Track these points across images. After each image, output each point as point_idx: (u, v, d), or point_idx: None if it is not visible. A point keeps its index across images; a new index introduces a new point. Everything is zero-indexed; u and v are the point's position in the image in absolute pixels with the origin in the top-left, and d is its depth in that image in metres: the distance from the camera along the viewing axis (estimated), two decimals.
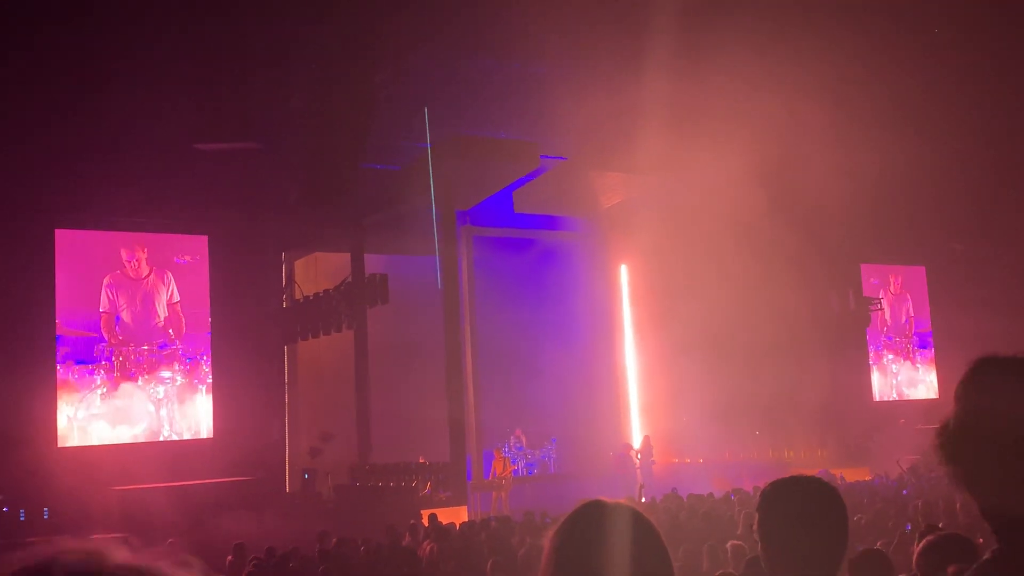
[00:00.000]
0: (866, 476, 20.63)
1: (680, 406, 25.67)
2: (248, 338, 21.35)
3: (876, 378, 30.03)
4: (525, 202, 24.95)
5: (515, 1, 16.72)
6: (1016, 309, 24.79)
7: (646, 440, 24.30)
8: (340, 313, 20.47)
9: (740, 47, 17.43)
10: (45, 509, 17.35)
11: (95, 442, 19.70)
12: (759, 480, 15.76)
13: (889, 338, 30.56)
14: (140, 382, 20.42)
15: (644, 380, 27.66)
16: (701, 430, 24.55)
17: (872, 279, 30.15)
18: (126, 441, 20.03)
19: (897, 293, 30.89)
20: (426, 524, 14.05)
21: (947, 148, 22.83)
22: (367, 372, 22.22)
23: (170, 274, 21.01)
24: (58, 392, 19.61)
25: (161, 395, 20.63)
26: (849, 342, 27.53)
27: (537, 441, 24.91)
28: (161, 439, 20.51)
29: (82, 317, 20.02)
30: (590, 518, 1.85)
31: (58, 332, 19.68)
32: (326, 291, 21.07)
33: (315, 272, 24.33)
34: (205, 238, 21.50)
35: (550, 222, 26.39)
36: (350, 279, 21.20)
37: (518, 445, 24.38)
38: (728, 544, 7.84)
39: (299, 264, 24.44)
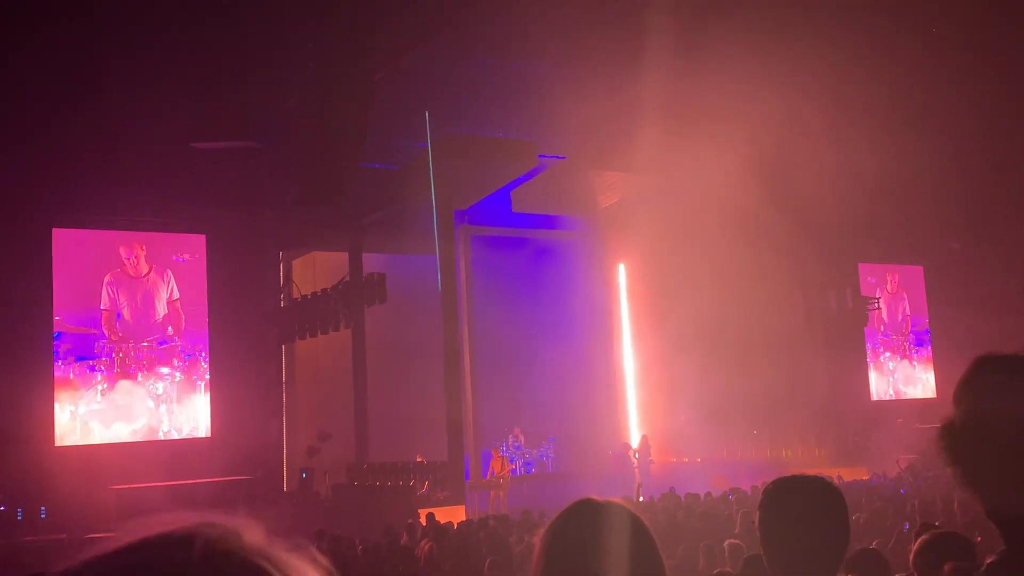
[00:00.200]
0: (863, 475, 20.65)
1: (678, 405, 25.67)
2: (246, 337, 21.35)
3: (873, 377, 30.06)
4: (523, 201, 24.95)
5: (514, 1, 16.73)
6: (1014, 308, 24.83)
7: (644, 439, 24.32)
8: (338, 312, 20.47)
9: (738, 47, 17.44)
10: (42, 508, 17.34)
11: (97, 438, 19.74)
12: (757, 479, 15.80)
13: (886, 336, 30.59)
14: (140, 378, 20.49)
15: (642, 379, 27.67)
16: (699, 429, 24.56)
17: (870, 278, 30.19)
18: (126, 438, 20.06)
19: (894, 292, 30.92)
20: (424, 523, 14.06)
21: (945, 148, 22.84)
22: (365, 371, 22.23)
23: (170, 272, 21.06)
24: (60, 389, 19.67)
25: (160, 391, 20.68)
26: (847, 341, 27.55)
27: (535, 440, 24.91)
28: (160, 435, 20.55)
29: (83, 314, 20.05)
30: (581, 516, 1.86)
31: (59, 329, 19.74)
32: (324, 290, 21.07)
33: (313, 271, 24.33)
34: (203, 237, 21.50)
35: (548, 221, 26.39)
36: (348, 278, 21.20)
37: (516, 444, 24.38)
38: (725, 543, 7.85)
39: (297, 263, 24.43)
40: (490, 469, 20.82)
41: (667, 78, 18.14)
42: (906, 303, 31.25)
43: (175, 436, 20.72)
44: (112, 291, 20.37)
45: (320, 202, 20.80)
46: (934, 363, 31.12)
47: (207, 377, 21.24)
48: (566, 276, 26.04)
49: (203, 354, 21.28)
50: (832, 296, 25.94)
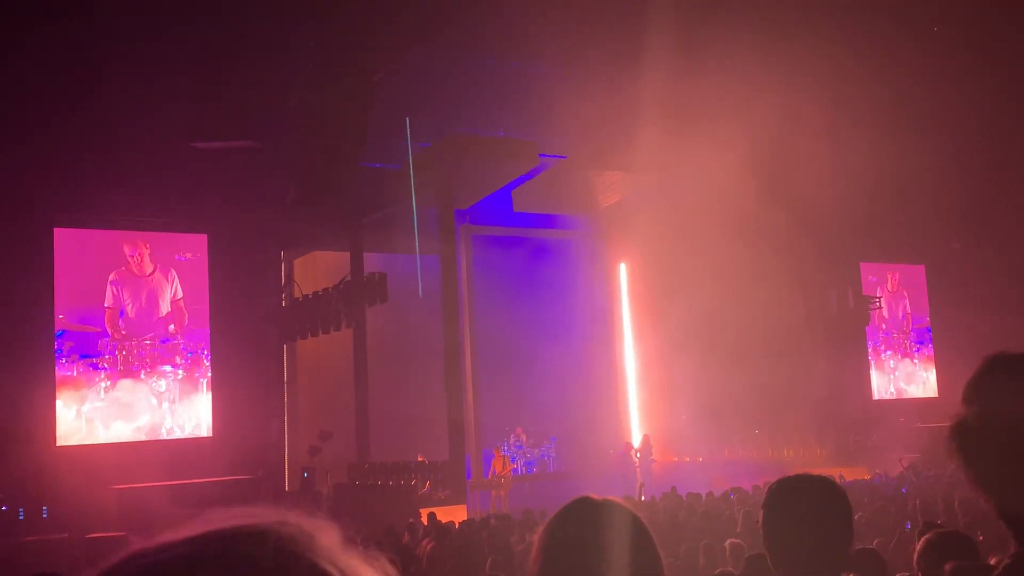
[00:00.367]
0: (865, 475, 20.64)
1: (679, 404, 25.67)
2: (247, 337, 21.36)
3: (875, 376, 30.05)
4: (524, 201, 24.95)
5: (514, 1, 16.72)
6: (1015, 307, 24.82)
7: (645, 439, 24.31)
8: (339, 312, 20.46)
9: (738, 46, 17.44)
10: (44, 508, 17.35)
11: (100, 437, 19.79)
12: (758, 479, 15.80)
13: (887, 334, 30.59)
14: (143, 375, 20.55)
15: (643, 378, 27.66)
16: (700, 428, 24.56)
17: (871, 277, 30.18)
18: (128, 436, 20.11)
19: (895, 291, 30.91)
20: (425, 523, 14.05)
21: (946, 148, 22.84)
22: (366, 371, 22.22)
23: (174, 271, 21.13)
24: (64, 387, 19.75)
25: (163, 388, 20.74)
26: (848, 341, 27.55)
27: (536, 440, 24.91)
28: (163, 432, 20.61)
29: (86, 313, 20.10)
30: (579, 515, 1.86)
31: (63, 327, 19.80)
32: (325, 290, 21.06)
33: (314, 271, 24.33)
34: (204, 237, 21.51)
35: (549, 221, 26.38)
36: (349, 278, 21.20)
37: (517, 444, 24.38)
38: (727, 542, 7.84)
39: (298, 263, 24.43)
40: (491, 468, 20.81)
41: (667, 78, 18.15)
42: (906, 302, 31.25)
43: (177, 435, 20.74)
44: (116, 289, 20.44)
45: (321, 202, 20.83)
46: (935, 362, 31.11)
47: (209, 375, 21.28)
48: (567, 276, 26.03)
49: (205, 352, 21.33)
50: (833, 295, 25.93)
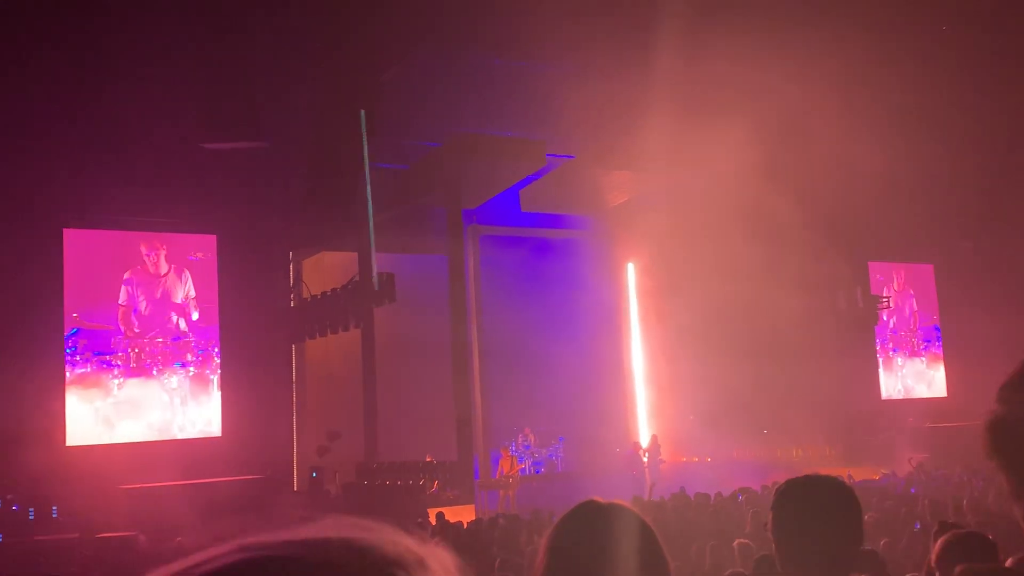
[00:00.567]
0: (874, 475, 20.59)
1: (687, 404, 25.65)
2: (256, 337, 21.40)
3: (883, 376, 29.98)
4: (532, 201, 24.95)
5: (522, 0, 16.72)
6: None
7: (654, 439, 24.28)
8: (347, 312, 20.49)
9: (748, 44, 17.40)
10: (54, 508, 17.41)
11: (113, 434, 19.93)
12: (767, 479, 15.78)
13: (895, 332, 30.52)
14: (155, 372, 20.69)
15: (651, 378, 27.64)
16: (708, 428, 24.52)
17: (878, 276, 30.11)
18: (140, 434, 20.25)
19: (900, 290, 30.82)
20: (433, 523, 14.07)
21: (956, 146, 22.78)
22: (374, 371, 22.27)
23: (187, 271, 21.26)
24: (77, 385, 19.86)
25: (175, 385, 20.86)
26: (857, 340, 27.48)
27: (545, 440, 24.91)
28: (175, 429, 20.74)
29: (100, 311, 20.24)
30: (584, 519, 1.85)
31: (77, 325, 19.93)
32: (333, 290, 21.10)
33: (322, 271, 24.37)
34: (214, 237, 21.57)
35: (557, 220, 26.37)
36: (357, 278, 21.23)
37: (526, 444, 24.39)
38: (735, 542, 7.84)
39: (307, 263, 24.48)
40: (499, 468, 20.82)
41: (675, 76, 18.13)
42: (913, 300, 31.16)
43: (188, 433, 20.83)
44: (131, 288, 20.62)
45: (329, 202, 20.87)
46: (945, 362, 31.01)
47: (219, 372, 21.38)
48: (575, 275, 26.02)
49: (215, 350, 21.44)
50: (842, 295, 25.87)
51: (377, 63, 19.26)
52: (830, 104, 19.61)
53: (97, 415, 19.96)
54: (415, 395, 22.59)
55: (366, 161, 19.69)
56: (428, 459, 20.72)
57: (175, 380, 20.89)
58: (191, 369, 21.11)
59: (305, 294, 22.87)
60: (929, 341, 31.22)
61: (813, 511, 2.37)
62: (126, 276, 20.61)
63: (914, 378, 30.64)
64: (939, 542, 4.10)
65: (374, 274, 19.10)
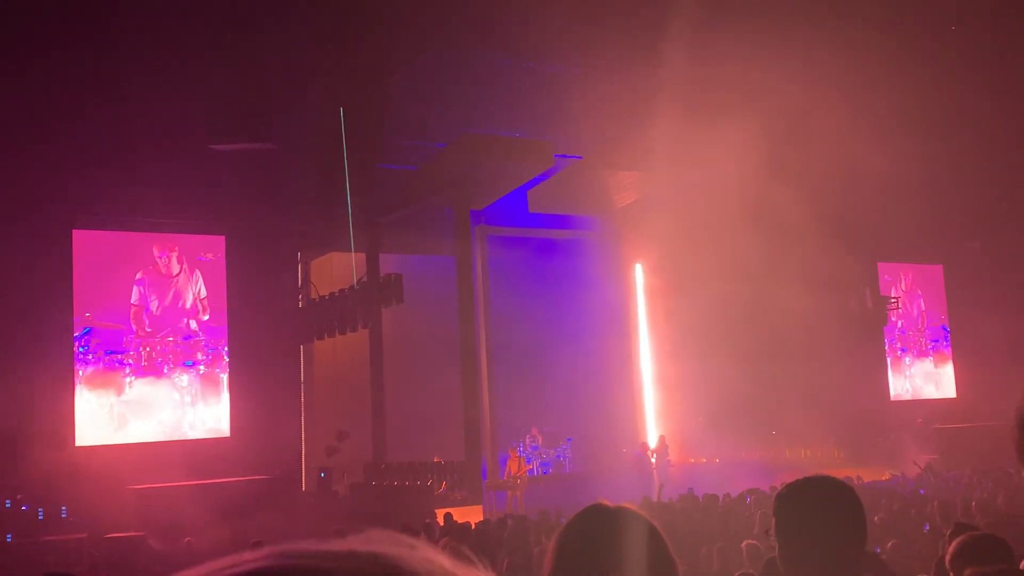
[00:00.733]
0: (883, 476, 20.55)
1: (695, 405, 25.61)
2: (265, 338, 21.45)
3: (892, 377, 29.90)
4: (539, 201, 24.94)
5: (530, 1, 16.73)
6: None
7: (662, 440, 24.24)
8: (355, 313, 20.52)
9: (755, 44, 17.38)
10: (63, 508, 17.46)
11: (122, 434, 20.04)
12: (775, 480, 15.72)
13: (904, 332, 30.44)
14: (165, 370, 20.82)
15: (659, 379, 27.61)
16: (717, 429, 24.49)
17: (886, 277, 30.04)
18: (149, 433, 20.38)
19: (908, 290, 30.74)
20: (441, 523, 14.07)
21: (965, 146, 22.71)
22: (382, 371, 22.26)
23: (199, 271, 21.36)
24: (90, 383, 19.97)
25: (185, 383, 20.94)
26: (866, 341, 27.41)
27: (552, 440, 24.89)
28: (185, 427, 20.86)
29: (112, 311, 20.36)
30: (591, 523, 1.85)
31: (89, 324, 20.05)
32: (341, 291, 21.12)
33: (330, 272, 24.39)
34: (222, 238, 21.63)
35: (564, 221, 26.36)
36: (365, 279, 21.25)
37: (533, 444, 24.37)
38: (743, 544, 7.82)
39: (315, 264, 24.51)
40: (507, 469, 20.81)
41: (683, 76, 18.12)
42: (921, 300, 31.08)
43: (197, 433, 20.90)
44: (142, 288, 20.74)
45: (338, 203, 20.91)
46: (954, 363, 30.92)
47: (228, 371, 21.46)
48: (583, 276, 26.00)
49: (225, 349, 21.54)
50: (852, 296, 25.81)
51: (386, 64, 19.28)
52: (838, 105, 19.56)
53: (110, 413, 20.09)
54: (423, 396, 22.59)
55: (345, 159, 19.76)
56: (436, 460, 20.72)
57: (185, 379, 21.02)
58: (201, 368, 21.23)
59: (313, 295, 22.90)
60: (937, 341, 31.13)
61: (815, 513, 2.36)
62: (138, 276, 20.76)
63: (922, 378, 30.56)
64: (954, 543, 4.08)
65: (354, 279, 19.13)
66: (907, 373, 30.36)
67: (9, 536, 16.55)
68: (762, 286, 22.36)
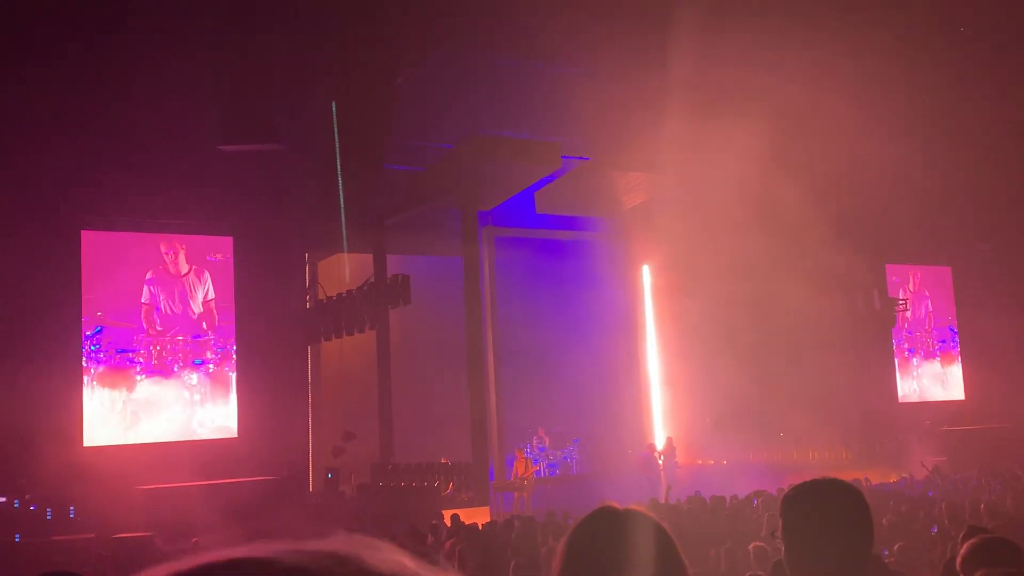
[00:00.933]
0: (891, 478, 20.50)
1: (703, 407, 25.57)
2: (272, 338, 21.49)
3: (900, 379, 29.83)
4: (547, 202, 24.94)
5: (537, 2, 16.73)
6: None
7: (669, 441, 24.22)
8: (363, 314, 20.55)
9: (763, 45, 17.36)
10: (71, 508, 17.51)
11: (130, 434, 20.15)
12: (783, 482, 15.70)
13: (911, 333, 30.37)
14: (175, 368, 20.90)
15: (666, 380, 27.58)
16: (724, 431, 24.44)
17: (894, 278, 29.97)
18: (157, 433, 20.47)
19: (916, 291, 30.67)
20: (448, 524, 14.07)
21: (975, 148, 22.65)
22: (389, 372, 22.29)
23: (207, 271, 21.45)
24: (99, 382, 20.03)
25: (195, 381, 21.02)
26: (874, 343, 27.35)
27: (559, 442, 24.88)
28: (194, 425, 20.96)
29: (122, 310, 20.47)
30: (600, 525, 1.84)
31: (101, 324, 20.18)
32: (349, 292, 21.15)
33: (338, 273, 24.43)
34: (230, 239, 21.68)
35: (572, 222, 26.34)
36: (373, 280, 21.28)
37: (540, 446, 24.36)
38: (751, 546, 7.81)
39: (322, 265, 24.55)
40: (514, 470, 20.81)
41: (690, 76, 18.11)
42: (928, 302, 31.01)
43: (205, 432, 20.96)
44: (153, 288, 20.83)
45: (345, 204, 20.93)
46: (963, 366, 30.83)
47: (236, 371, 21.53)
48: (590, 277, 25.98)
49: (233, 348, 21.62)
50: (860, 297, 25.76)
51: (393, 65, 19.30)
52: (846, 105, 19.53)
53: (122, 410, 20.21)
54: (430, 397, 22.60)
55: (337, 154, 19.79)
56: (443, 461, 20.74)
57: (195, 377, 21.12)
58: (210, 366, 21.33)
59: (321, 295, 22.94)
60: (944, 342, 31.04)
61: (822, 516, 2.35)
62: (148, 276, 20.88)
63: (930, 379, 30.48)
64: (965, 545, 4.07)
65: (362, 280, 19.11)
66: (915, 374, 30.29)
67: (17, 536, 16.62)
68: (770, 287, 22.32)
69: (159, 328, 20.89)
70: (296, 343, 22.37)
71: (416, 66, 19.45)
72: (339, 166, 20.67)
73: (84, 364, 20.00)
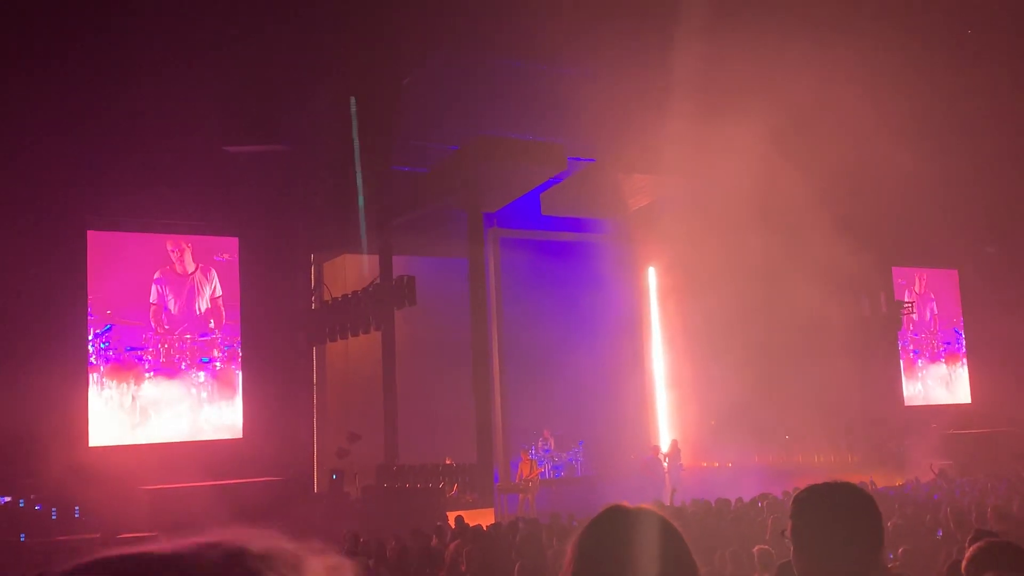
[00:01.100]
0: (896, 481, 20.46)
1: (708, 409, 25.54)
2: (278, 339, 21.52)
3: (906, 382, 29.76)
4: (552, 204, 24.93)
5: (542, 3, 16.73)
6: None
7: (674, 443, 24.19)
8: (368, 315, 20.54)
9: (769, 46, 17.33)
10: (76, 508, 17.53)
11: (138, 432, 20.26)
12: (788, 485, 15.68)
13: (916, 335, 30.31)
14: (183, 366, 21.02)
15: (672, 382, 27.55)
16: (729, 434, 24.41)
17: (900, 281, 29.92)
18: (162, 433, 20.58)
19: (922, 293, 30.60)
20: (453, 526, 14.05)
21: (982, 151, 22.59)
22: (394, 373, 22.28)
23: (214, 270, 21.50)
24: (108, 379, 20.10)
25: (202, 379, 21.08)
26: (880, 346, 27.30)
27: (564, 443, 24.87)
28: (201, 422, 21.04)
29: (131, 309, 20.55)
30: (611, 525, 1.83)
31: (111, 322, 20.31)
32: (354, 293, 21.16)
33: (343, 274, 24.44)
34: (235, 240, 21.71)
35: (577, 224, 26.34)
36: (378, 281, 21.28)
37: (545, 447, 24.34)
38: (755, 549, 7.79)
39: (328, 266, 24.56)
40: (518, 472, 20.80)
41: (696, 78, 18.08)
42: (933, 304, 30.94)
43: (210, 433, 21.00)
44: (160, 287, 20.92)
45: (350, 205, 20.96)
46: (969, 369, 30.76)
47: (242, 371, 21.57)
48: (595, 278, 25.97)
49: (239, 347, 21.69)
50: (866, 300, 25.72)
51: (398, 66, 19.31)
52: (853, 108, 19.50)
53: (131, 407, 20.26)
54: (435, 398, 22.60)
55: (356, 153, 19.79)
56: (448, 462, 20.73)
57: (202, 375, 21.20)
58: (217, 364, 21.40)
59: (326, 296, 22.95)
60: (949, 343, 30.97)
61: (832, 518, 2.34)
62: (156, 275, 20.96)
63: (935, 382, 30.42)
64: (971, 549, 4.06)
65: (367, 281, 19.13)
66: (920, 375, 30.22)
67: (23, 536, 16.63)
68: (775, 290, 22.30)
69: (167, 327, 21.00)
70: (301, 344, 22.39)
71: (422, 67, 19.47)
72: (345, 167, 20.69)
73: (91, 363, 20.07)
